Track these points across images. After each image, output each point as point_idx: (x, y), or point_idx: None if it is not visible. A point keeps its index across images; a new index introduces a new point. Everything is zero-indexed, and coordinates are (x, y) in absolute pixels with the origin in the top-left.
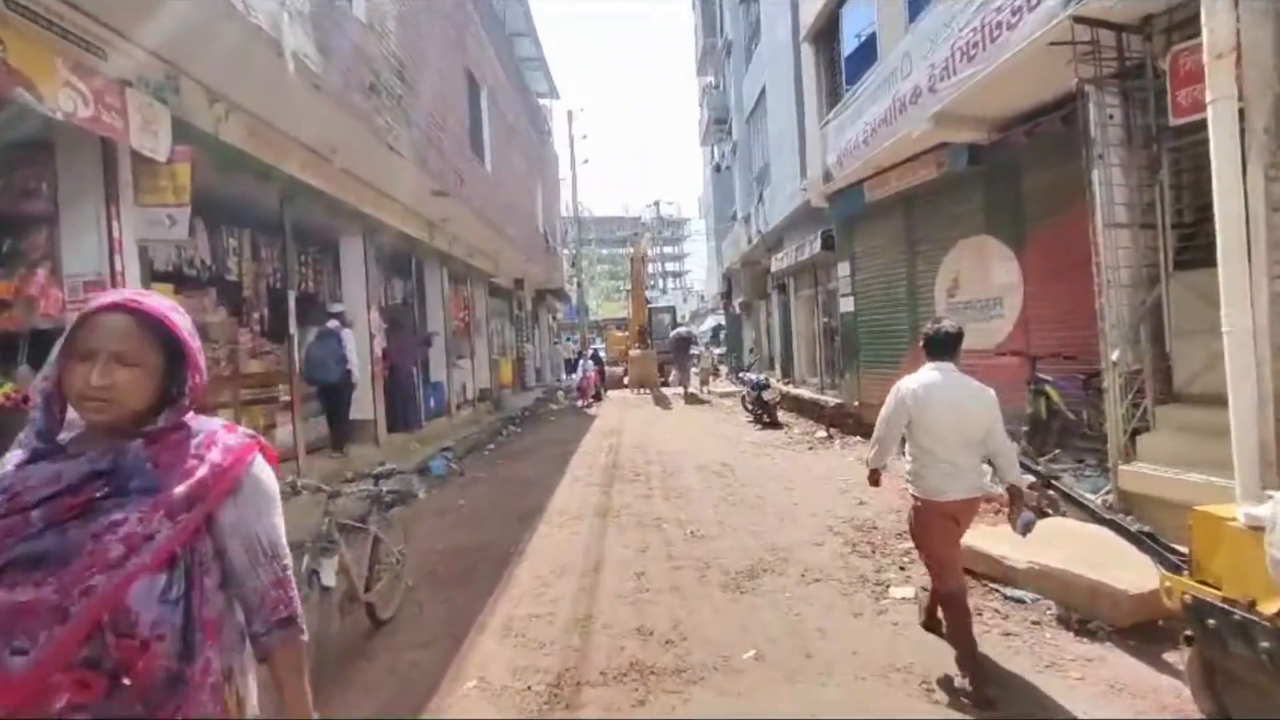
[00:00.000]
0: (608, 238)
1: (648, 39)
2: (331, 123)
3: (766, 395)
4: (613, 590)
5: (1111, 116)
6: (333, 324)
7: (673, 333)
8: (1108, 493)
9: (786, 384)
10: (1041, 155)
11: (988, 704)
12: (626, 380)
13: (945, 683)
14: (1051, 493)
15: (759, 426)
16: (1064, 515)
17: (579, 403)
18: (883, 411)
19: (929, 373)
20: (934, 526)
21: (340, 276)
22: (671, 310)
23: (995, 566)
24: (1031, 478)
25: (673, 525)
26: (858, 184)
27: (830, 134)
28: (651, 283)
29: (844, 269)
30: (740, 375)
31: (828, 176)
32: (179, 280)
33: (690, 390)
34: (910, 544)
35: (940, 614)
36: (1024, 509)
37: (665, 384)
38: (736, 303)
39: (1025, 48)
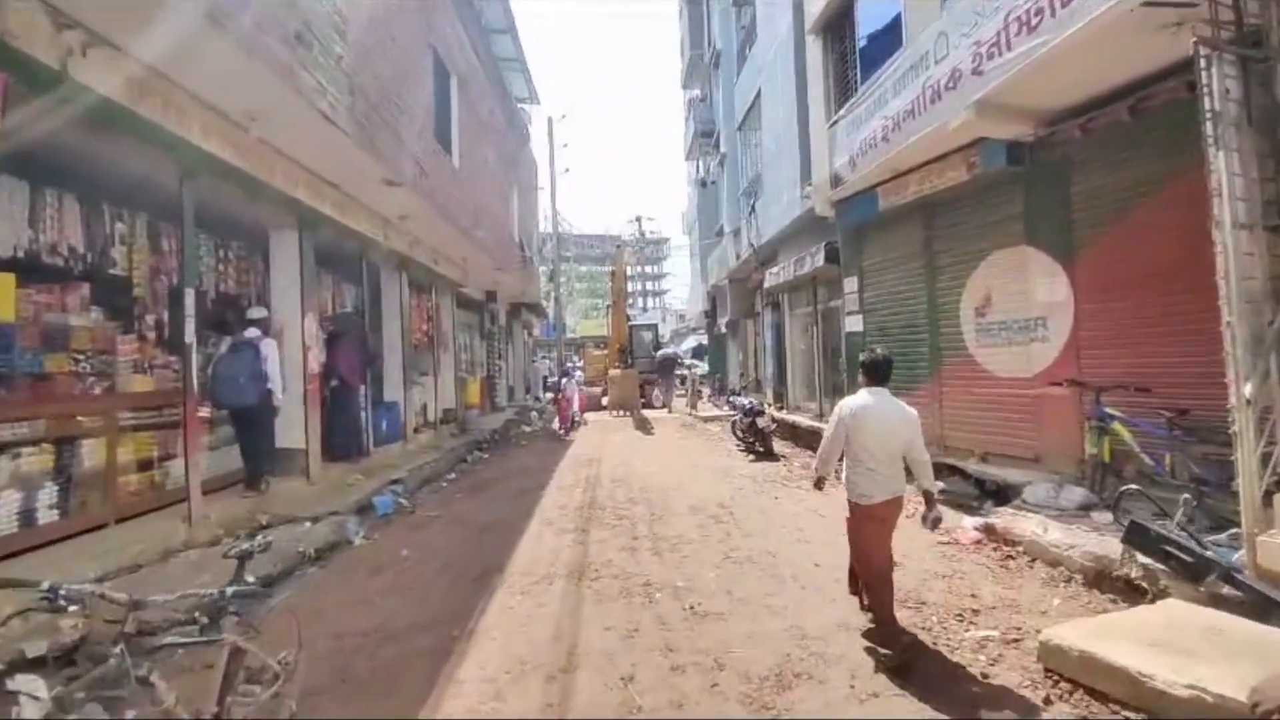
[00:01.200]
0: (587, 255)
1: (629, 56)
2: (242, 77)
3: (761, 423)
4: (590, 704)
5: (1228, 91)
6: (251, 333)
7: (659, 353)
8: (1236, 570)
9: (780, 409)
10: (1099, 152)
11: (903, 667)
12: (605, 401)
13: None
14: (1167, 565)
15: (752, 457)
16: (1164, 592)
17: (560, 431)
18: (827, 430)
19: (864, 396)
20: (864, 526)
21: (270, 277)
22: (654, 328)
23: (1133, 688)
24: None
25: (667, 595)
26: (870, 189)
27: (840, 133)
28: (630, 301)
29: (851, 284)
30: (730, 399)
31: (836, 181)
32: (32, 270)
33: (676, 411)
34: (994, 632)
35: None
36: (935, 509)
37: (647, 405)
38: (722, 322)
39: (1112, 8)
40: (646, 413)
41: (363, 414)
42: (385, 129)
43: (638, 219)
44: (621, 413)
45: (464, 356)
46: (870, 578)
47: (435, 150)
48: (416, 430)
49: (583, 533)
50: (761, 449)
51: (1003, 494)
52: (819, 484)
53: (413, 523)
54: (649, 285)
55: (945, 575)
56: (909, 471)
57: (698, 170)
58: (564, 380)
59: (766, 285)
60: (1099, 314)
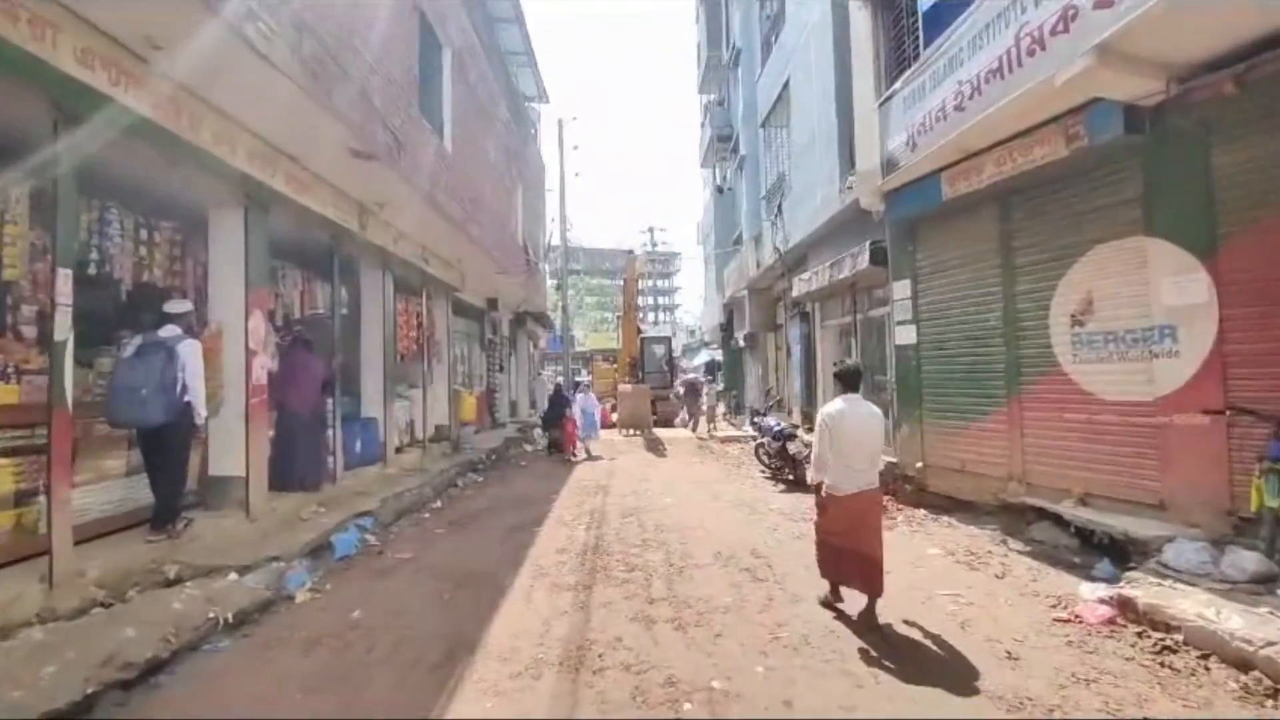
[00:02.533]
0: (597, 269)
1: (642, 65)
2: None
3: (792, 448)
4: None
5: None
6: (166, 332)
7: (685, 378)
8: None
9: (810, 432)
10: (1258, 112)
11: (825, 605)
12: (615, 419)
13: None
14: None
15: (781, 486)
16: None
17: (571, 456)
18: (815, 436)
19: (840, 402)
20: (829, 509)
21: (210, 267)
22: (667, 340)
23: None
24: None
25: (699, 705)
26: (932, 174)
27: (894, 111)
28: (641, 315)
29: (901, 289)
30: (753, 420)
31: (888, 166)
32: None
33: (699, 434)
34: None
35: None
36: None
37: (662, 424)
38: (739, 335)
39: None
40: (659, 431)
41: (329, 433)
42: (347, 84)
43: (650, 229)
44: (632, 432)
45: (460, 368)
46: (821, 540)
47: (420, 125)
48: (400, 450)
49: (584, 591)
50: (793, 477)
51: (1119, 550)
52: (819, 489)
53: (378, 567)
54: (660, 300)
55: (1087, 679)
56: None
57: (714, 177)
58: (578, 395)
59: (795, 293)
60: (1255, 321)
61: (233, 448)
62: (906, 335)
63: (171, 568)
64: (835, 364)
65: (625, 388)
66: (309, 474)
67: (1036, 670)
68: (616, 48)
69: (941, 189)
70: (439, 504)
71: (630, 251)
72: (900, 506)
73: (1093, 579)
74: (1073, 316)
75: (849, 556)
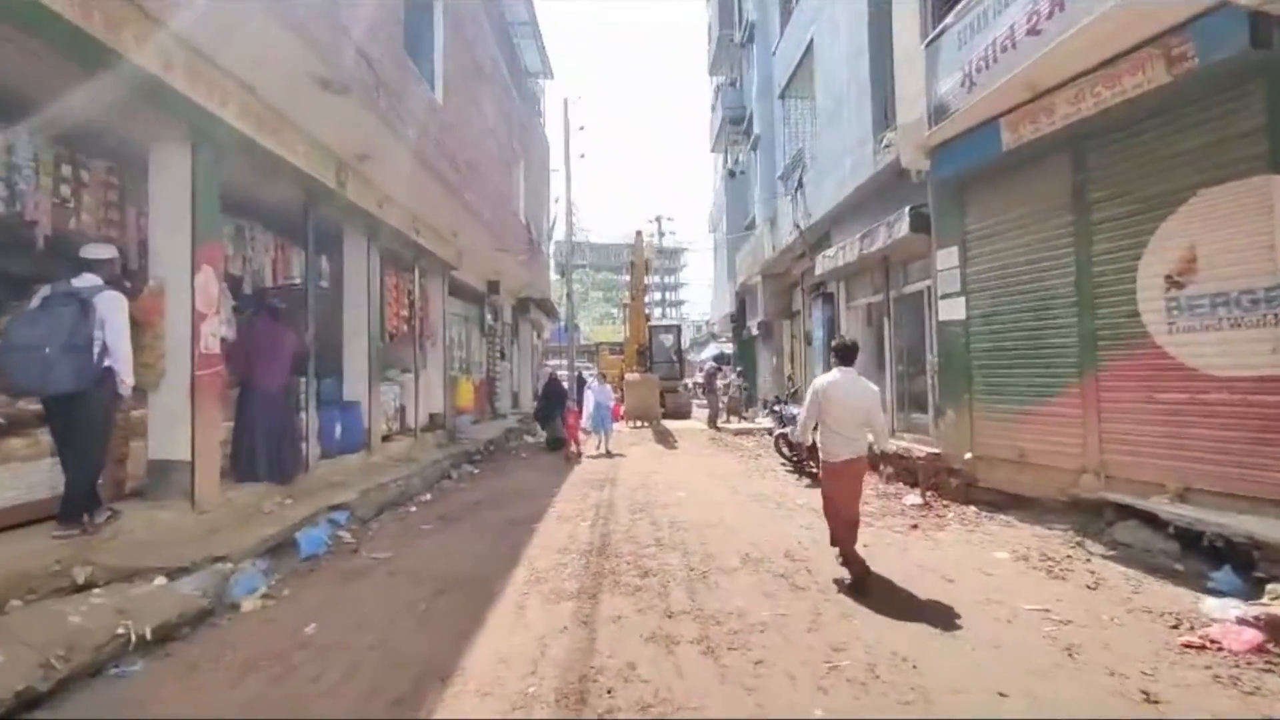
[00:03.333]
0: (604, 264)
1: (650, 53)
2: None
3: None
4: None
5: None
6: (83, 281)
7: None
8: None
9: None
10: None
11: (863, 591)
12: (622, 410)
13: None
14: None
15: (806, 481)
16: None
17: (571, 455)
18: (805, 402)
19: (835, 374)
20: (830, 476)
21: (150, 213)
22: (676, 329)
23: None
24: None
25: None
26: (989, 121)
27: (945, 49)
28: (647, 313)
29: (948, 257)
30: (774, 409)
31: (938, 113)
32: None
33: (697, 419)
34: None
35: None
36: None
37: (672, 415)
38: (752, 324)
39: None
40: (667, 423)
41: (302, 417)
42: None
43: (657, 219)
44: (639, 423)
45: (458, 353)
46: (835, 519)
47: (405, 68)
48: (388, 438)
49: (589, 600)
50: (819, 471)
51: (1239, 556)
52: (805, 450)
53: (349, 569)
54: (667, 295)
55: None
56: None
57: (725, 161)
58: (592, 385)
59: (819, 272)
60: None
61: (176, 428)
62: (953, 309)
63: (82, 570)
64: (835, 340)
65: (633, 377)
66: (277, 461)
67: (1186, 712)
68: (625, 36)
69: (1001, 137)
70: (428, 497)
71: (638, 232)
72: (947, 503)
73: (1215, 592)
74: (1168, 278)
75: (852, 518)
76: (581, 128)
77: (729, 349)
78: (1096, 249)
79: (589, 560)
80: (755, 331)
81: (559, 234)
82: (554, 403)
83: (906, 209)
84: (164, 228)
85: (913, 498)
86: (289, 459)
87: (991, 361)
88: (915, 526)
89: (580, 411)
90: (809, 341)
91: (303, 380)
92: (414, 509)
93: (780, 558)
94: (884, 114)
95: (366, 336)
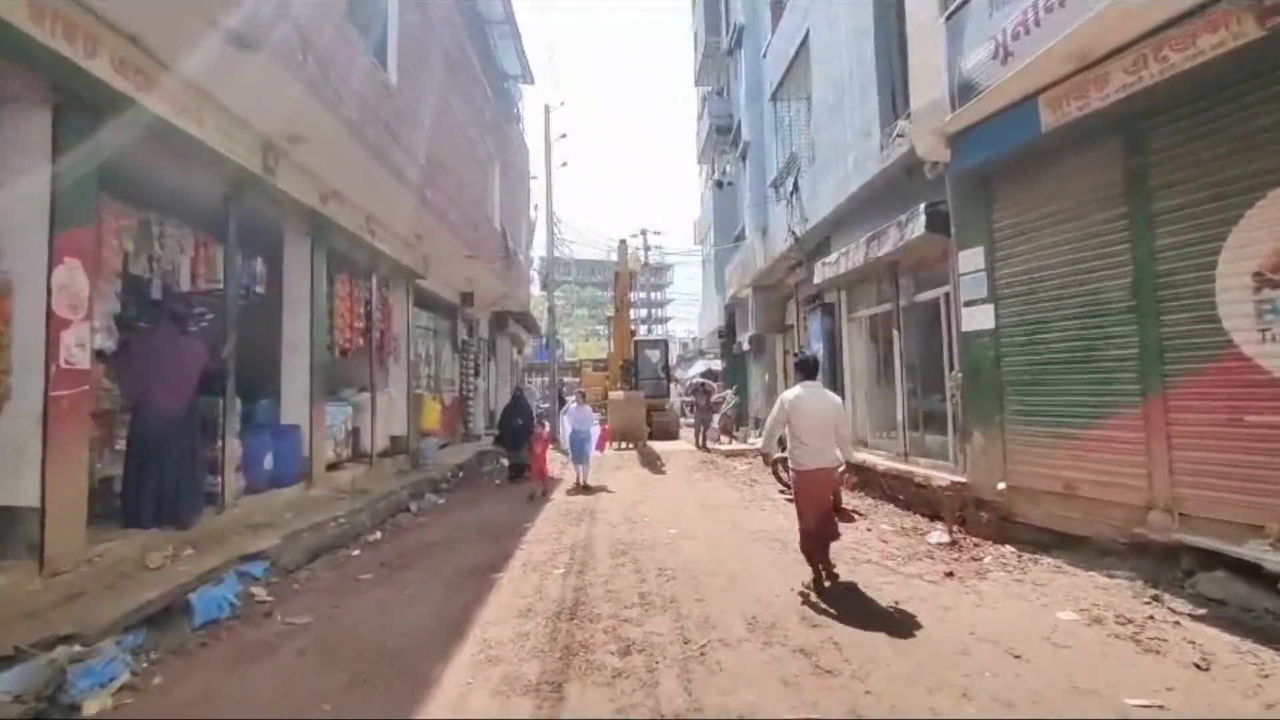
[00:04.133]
0: (588, 280)
1: (635, 67)
2: None
3: None
4: None
5: None
6: None
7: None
8: None
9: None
10: None
11: (821, 594)
12: (605, 423)
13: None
14: None
15: None
16: None
17: (538, 490)
18: (770, 414)
19: (799, 389)
20: (801, 485)
21: None
22: (663, 344)
23: None
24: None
25: None
26: (1026, 100)
27: (971, 18)
28: (633, 329)
29: (972, 259)
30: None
31: (962, 95)
32: None
33: (711, 447)
34: None
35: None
36: (848, 471)
37: (660, 436)
38: (743, 338)
39: None
40: (654, 444)
41: (216, 445)
42: None
43: (643, 233)
44: (624, 445)
45: (426, 370)
46: (804, 527)
47: (345, 34)
48: (337, 465)
49: (552, 695)
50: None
51: None
52: (766, 460)
53: (251, 642)
54: (653, 312)
55: None
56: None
57: (713, 171)
58: (569, 405)
59: (818, 281)
60: None
61: (21, 464)
62: (979, 318)
63: None
64: (795, 354)
65: (617, 395)
66: (172, 501)
67: None
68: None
69: (1039, 118)
70: (378, 535)
71: (622, 241)
72: (978, 541)
73: None
74: (1258, 275)
75: (822, 526)
76: (564, 135)
77: (717, 365)
78: (1160, 244)
79: (557, 627)
80: (746, 347)
81: (540, 244)
82: (518, 424)
83: (922, 206)
84: (14, 211)
85: (938, 535)
86: (188, 498)
87: (1027, 377)
88: (950, 574)
89: (549, 438)
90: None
91: (220, 401)
92: (357, 552)
93: (796, 623)
94: (891, 102)
95: (309, 350)
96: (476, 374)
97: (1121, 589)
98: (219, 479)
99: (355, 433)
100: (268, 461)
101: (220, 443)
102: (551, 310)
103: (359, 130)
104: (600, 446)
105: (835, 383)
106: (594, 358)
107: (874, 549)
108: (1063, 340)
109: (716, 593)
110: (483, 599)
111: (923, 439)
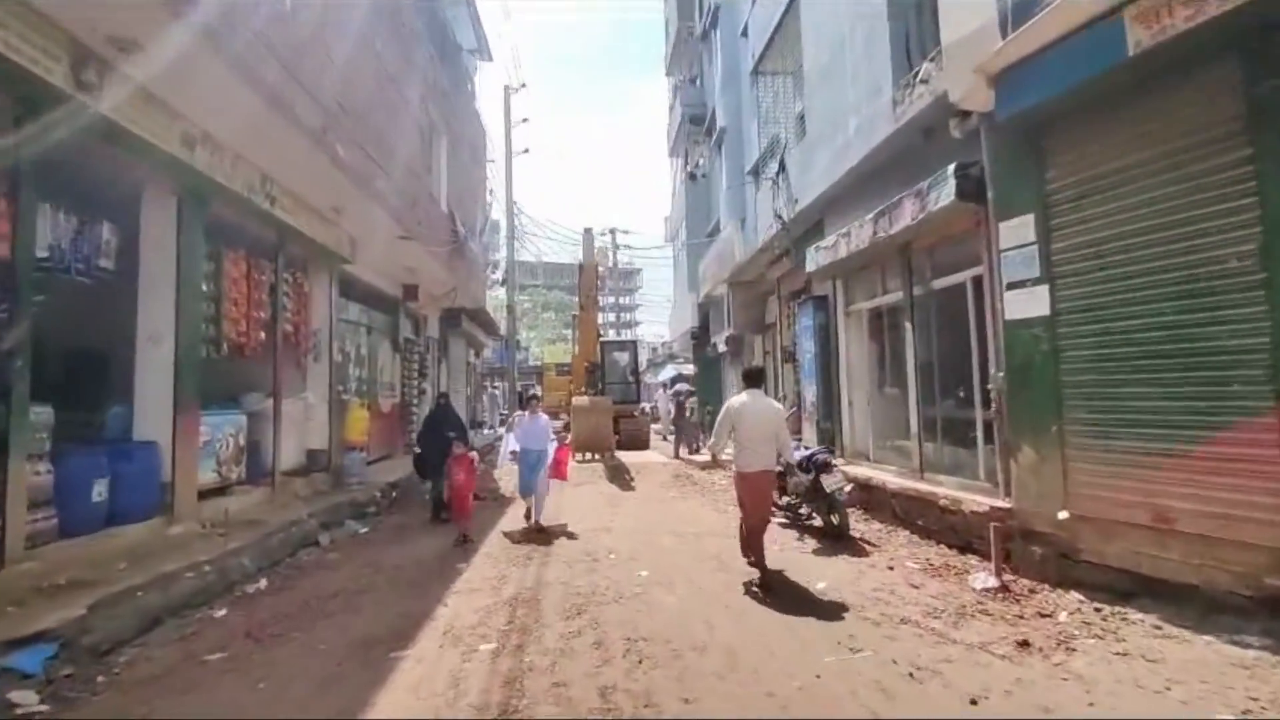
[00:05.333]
0: (555, 284)
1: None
2: None
3: (829, 482)
4: None
5: None
6: None
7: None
8: None
9: (840, 458)
10: None
11: (766, 589)
12: (568, 440)
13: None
14: None
15: (813, 544)
16: None
17: (463, 536)
18: (718, 419)
19: (745, 396)
20: (742, 486)
21: None
22: (632, 346)
23: None
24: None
25: None
26: (1105, 16)
27: None
28: (599, 332)
29: (1018, 232)
30: None
31: (1016, 15)
32: None
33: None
34: None
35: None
36: (794, 475)
37: (631, 445)
38: (718, 339)
39: None
40: (623, 455)
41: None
42: None
43: (611, 232)
44: (589, 456)
45: (356, 372)
46: (747, 524)
47: None
48: (221, 490)
49: None
50: (834, 526)
51: None
52: (715, 460)
53: None
54: (623, 316)
55: None
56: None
57: (686, 163)
58: (520, 416)
59: (810, 269)
60: None
61: None
62: (1028, 303)
63: None
64: (744, 367)
65: (581, 401)
66: None
67: None
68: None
69: (1125, 36)
70: (262, 584)
71: (587, 229)
72: (1031, 585)
73: None
74: None
75: (762, 523)
76: (525, 120)
77: (689, 369)
78: None
79: None
80: (722, 348)
81: (500, 241)
82: (438, 442)
83: (950, 169)
84: None
85: (984, 578)
86: None
87: (1097, 376)
88: (1025, 643)
89: (471, 464)
90: (789, 358)
91: (2, 410)
92: (222, 613)
93: None
94: (905, 51)
95: (174, 345)
96: (423, 376)
97: (1266, 667)
98: None
99: (252, 448)
100: (98, 491)
101: (6, 470)
102: (511, 309)
103: (219, 40)
104: (560, 471)
105: (830, 387)
106: (559, 362)
107: (907, 599)
108: (1151, 328)
109: (711, 684)
110: (370, 700)
111: (945, 452)
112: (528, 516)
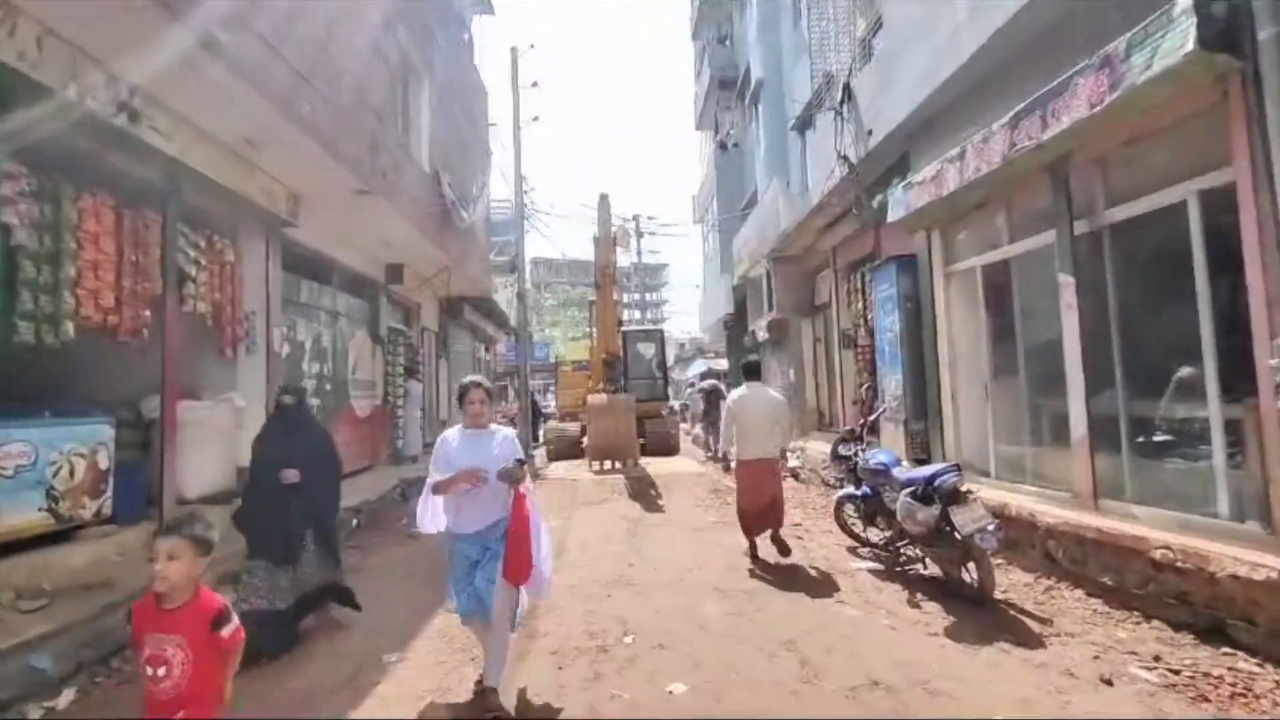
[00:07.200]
0: (580, 281)
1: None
2: None
3: (967, 520)
4: None
5: None
6: None
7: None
8: None
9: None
10: None
11: (755, 560)
12: (584, 444)
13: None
14: None
15: (944, 616)
16: None
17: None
18: (724, 419)
19: (744, 389)
20: (741, 473)
21: None
22: (659, 336)
23: None
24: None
25: None
26: None
27: None
28: (620, 320)
29: None
30: (847, 454)
31: None
32: None
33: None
34: None
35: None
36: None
37: (659, 450)
38: (758, 325)
39: None
40: (648, 463)
41: None
42: None
43: (635, 218)
44: (608, 466)
45: (315, 368)
46: (741, 506)
47: None
48: (68, 535)
49: None
50: (969, 585)
51: None
52: (726, 463)
53: None
54: (647, 314)
55: None
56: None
57: (715, 133)
58: (443, 436)
59: (894, 217)
60: None
61: None
62: None
63: None
64: (742, 361)
65: (598, 400)
66: None
67: None
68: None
69: None
70: (61, 701)
71: (603, 195)
72: None
73: None
74: None
75: (759, 509)
76: (535, 84)
77: (721, 365)
78: None
79: None
80: (763, 335)
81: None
82: (271, 498)
83: (1177, 5)
84: None
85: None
86: None
87: None
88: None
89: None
90: (849, 343)
91: None
92: None
93: None
94: None
95: None
96: (414, 376)
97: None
98: None
99: (126, 471)
100: None
101: None
102: (521, 296)
103: None
104: (519, 571)
105: (921, 376)
106: (576, 358)
107: None
108: None
109: None
110: None
111: (1139, 471)
112: (511, 618)
